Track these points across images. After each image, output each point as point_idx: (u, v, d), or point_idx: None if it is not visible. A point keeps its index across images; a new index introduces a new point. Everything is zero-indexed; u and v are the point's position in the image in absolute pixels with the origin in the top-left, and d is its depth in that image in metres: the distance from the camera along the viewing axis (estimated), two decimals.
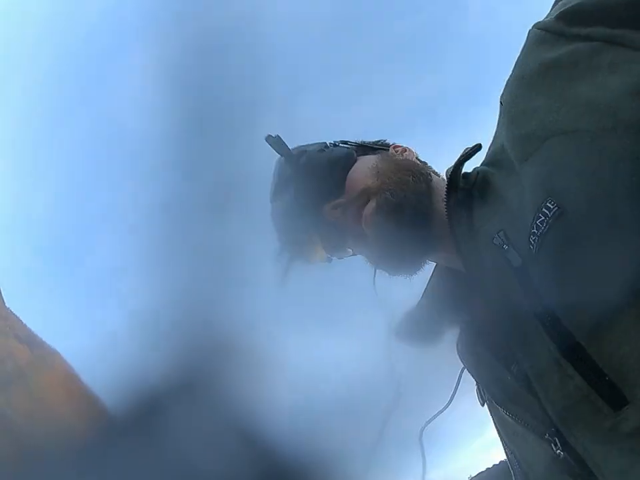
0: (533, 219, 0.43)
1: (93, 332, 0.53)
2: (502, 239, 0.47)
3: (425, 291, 0.62)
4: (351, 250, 0.64)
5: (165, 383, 0.44)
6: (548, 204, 0.42)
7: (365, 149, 0.66)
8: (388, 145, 0.68)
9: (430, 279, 0.62)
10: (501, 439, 0.58)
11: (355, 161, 0.62)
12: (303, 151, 0.63)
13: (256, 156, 0.59)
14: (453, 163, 0.56)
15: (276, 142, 0.61)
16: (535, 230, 0.43)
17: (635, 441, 0.38)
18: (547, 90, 0.46)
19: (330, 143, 0.66)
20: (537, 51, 0.48)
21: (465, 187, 0.54)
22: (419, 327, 0.60)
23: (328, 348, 0.61)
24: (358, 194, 0.58)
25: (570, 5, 0.46)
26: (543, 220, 0.42)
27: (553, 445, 0.44)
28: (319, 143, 0.65)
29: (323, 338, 0.61)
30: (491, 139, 0.56)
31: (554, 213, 0.41)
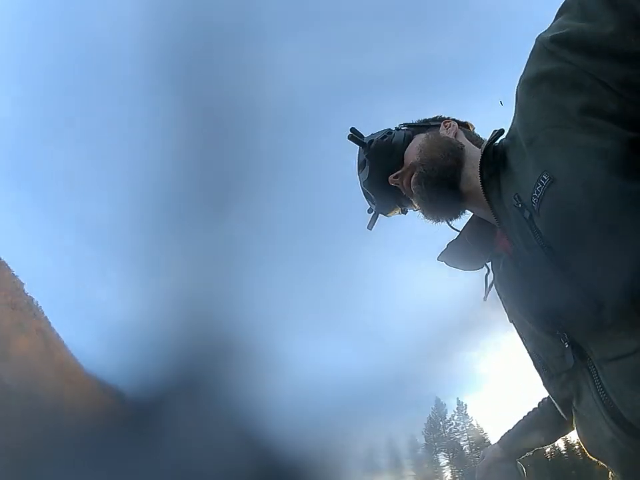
0: (534, 186, 0.61)
1: (93, 332, 0.53)
2: (516, 200, 0.65)
3: (462, 231, 0.83)
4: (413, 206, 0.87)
5: (166, 382, 0.44)
6: (544, 176, 0.60)
7: (420, 128, 0.86)
8: (442, 120, 0.86)
9: (466, 225, 0.83)
10: (522, 340, 0.75)
11: (411, 139, 0.83)
12: (371, 140, 0.86)
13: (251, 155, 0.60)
14: (485, 142, 0.74)
15: (353, 135, 0.86)
16: (535, 194, 0.61)
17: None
18: (540, 93, 0.61)
19: (395, 128, 0.88)
20: (536, 61, 0.63)
21: (494, 161, 0.71)
22: (457, 254, 0.84)
23: (329, 348, 0.61)
24: (407, 168, 0.79)
25: (563, 31, 0.59)
26: (540, 187, 0.61)
27: (561, 339, 0.63)
28: (385, 130, 0.88)
29: (325, 338, 0.61)
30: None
31: (547, 182, 0.60)
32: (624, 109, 0.54)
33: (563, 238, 0.59)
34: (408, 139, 0.83)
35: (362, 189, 0.88)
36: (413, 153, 0.80)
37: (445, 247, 0.85)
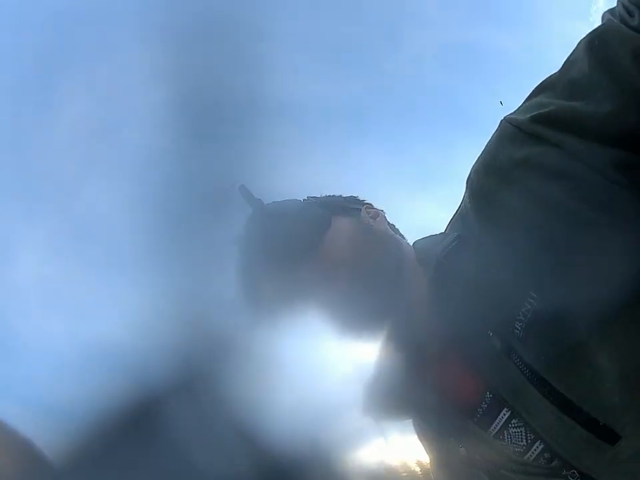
0: (519, 308, 0.48)
1: (93, 332, 0.53)
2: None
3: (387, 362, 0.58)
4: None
5: (165, 382, 0.44)
6: (533, 294, 0.47)
7: (337, 209, 0.64)
8: (360, 203, 0.67)
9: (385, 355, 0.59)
10: None
11: (329, 222, 0.61)
12: (281, 211, 0.62)
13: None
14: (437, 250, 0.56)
15: (249, 197, 0.59)
16: (521, 317, 0.48)
17: (632, 465, 0.48)
18: (513, 185, 0.50)
19: (304, 200, 0.65)
20: (508, 146, 0.52)
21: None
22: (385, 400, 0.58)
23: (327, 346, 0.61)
24: (334, 265, 0.56)
25: (547, 110, 0.49)
26: (528, 309, 0.47)
27: (570, 476, 0.50)
28: (292, 200, 0.64)
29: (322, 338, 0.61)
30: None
31: (536, 303, 0.47)
32: (617, 197, 0.45)
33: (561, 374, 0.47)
34: (327, 222, 0.60)
35: (246, 275, 0.60)
36: (339, 246, 0.58)
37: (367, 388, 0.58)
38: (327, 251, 0.57)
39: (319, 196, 0.66)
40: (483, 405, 0.52)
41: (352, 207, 0.65)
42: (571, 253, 0.47)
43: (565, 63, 0.51)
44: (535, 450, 0.51)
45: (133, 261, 0.55)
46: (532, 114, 0.50)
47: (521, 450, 0.51)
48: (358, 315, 0.54)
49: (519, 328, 0.48)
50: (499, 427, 0.51)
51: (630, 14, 0.45)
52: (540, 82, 0.52)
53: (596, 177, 0.46)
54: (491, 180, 0.52)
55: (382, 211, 0.67)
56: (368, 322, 0.54)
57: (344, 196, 0.68)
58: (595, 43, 0.47)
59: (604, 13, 0.49)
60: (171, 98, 0.55)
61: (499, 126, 0.54)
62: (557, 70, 0.51)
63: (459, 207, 0.58)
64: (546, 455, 0.51)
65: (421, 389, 0.54)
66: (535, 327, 0.47)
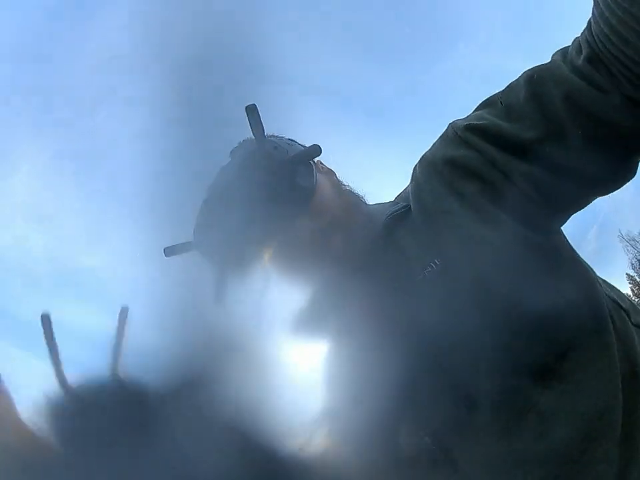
0: (423, 268, 0.56)
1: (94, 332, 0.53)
2: (397, 279, 0.58)
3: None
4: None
5: (165, 381, 0.45)
6: (435, 261, 0.56)
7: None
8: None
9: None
10: None
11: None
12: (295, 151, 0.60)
13: None
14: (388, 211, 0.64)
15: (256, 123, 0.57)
16: (422, 277, 0.56)
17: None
18: (442, 178, 0.58)
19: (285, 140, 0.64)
20: (445, 146, 0.60)
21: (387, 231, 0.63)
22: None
23: None
24: (330, 223, 0.60)
25: (480, 122, 0.57)
26: (430, 270, 0.56)
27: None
28: (290, 140, 0.64)
29: None
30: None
31: (436, 270, 0.56)
32: (522, 203, 0.53)
33: (438, 323, 0.53)
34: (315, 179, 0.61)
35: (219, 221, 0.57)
36: (331, 205, 0.61)
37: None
38: (323, 207, 0.60)
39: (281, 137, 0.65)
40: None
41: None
42: (472, 237, 0.55)
43: (508, 86, 0.58)
44: None
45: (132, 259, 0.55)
46: (468, 123, 0.59)
47: None
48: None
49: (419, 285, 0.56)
50: None
51: (579, 52, 0.51)
52: (487, 97, 0.60)
53: (505, 183, 0.54)
54: (426, 171, 0.61)
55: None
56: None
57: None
58: (534, 78, 0.54)
59: (556, 51, 0.55)
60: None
61: (446, 128, 0.62)
62: (501, 90, 0.59)
63: (405, 187, 0.67)
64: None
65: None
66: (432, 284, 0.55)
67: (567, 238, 0.59)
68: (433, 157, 0.61)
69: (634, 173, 0.54)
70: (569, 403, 0.52)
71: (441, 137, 0.63)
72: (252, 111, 0.56)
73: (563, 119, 0.51)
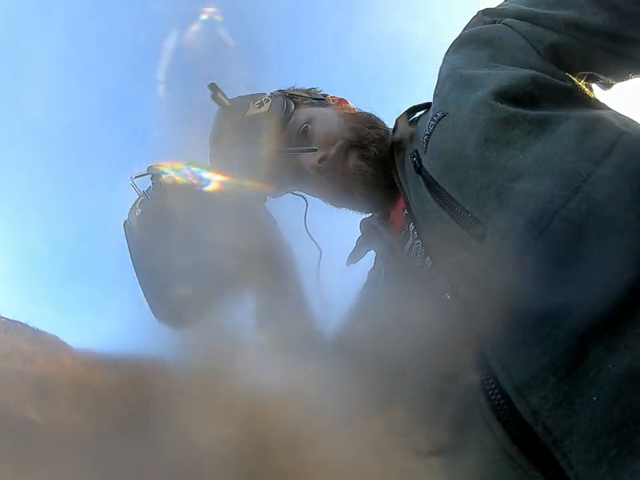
0: (427, 126, 0.55)
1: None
2: (413, 155, 0.57)
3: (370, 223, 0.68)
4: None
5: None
6: (437, 113, 0.54)
7: (305, 99, 0.71)
8: (323, 95, 0.74)
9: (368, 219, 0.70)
10: None
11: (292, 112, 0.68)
12: (244, 101, 0.68)
13: None
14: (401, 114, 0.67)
15: (218, 93, 0.64)
16: (426, 132, 0.55)
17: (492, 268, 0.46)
18: (460, 51, 0.60)
19: (270, 94, 0.70)
20: (466, 27, 0.62)
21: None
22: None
23: None
24: (339, 146, 0.64)
25: (503, 4, 0.60)
26: (432, 123, 0.55)
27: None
28: (259, 93, 0.70)
29: None
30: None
31: (439, 117, 0.54)
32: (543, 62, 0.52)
33: (447, 172, 0.50)
34: (289, 110, 0.67)
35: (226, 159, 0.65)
36: (335, 129, 0.65)
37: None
38: (320, 134, 0.65)
39: (287, 90, 0.73)
40: (405, 228, 0.58)
41: (315, 97, 0.73)
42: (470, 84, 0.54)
43: None
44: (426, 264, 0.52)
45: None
46: (487, 7, 0.61)
47: (420, 264, 0.53)
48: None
49: (424, 140, 0.55)
50: (410, 243, 0.56)
51: None
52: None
53: (525, 46, 0.54)
54: (452, 49, 0.62)
55: (342, 99, 0.74)
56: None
57: (305, 88, 0.75)
58: None
59: None
60: None
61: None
62: None
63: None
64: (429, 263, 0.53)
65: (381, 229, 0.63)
66: (433, 137, 0.54)
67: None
68: (453, 42, 0.63)
69: None
70: None
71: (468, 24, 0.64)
72: (214, 88, 0.63)
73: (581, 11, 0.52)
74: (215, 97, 0.63)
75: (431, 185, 0.52)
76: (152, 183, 0.53)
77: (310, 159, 0.64)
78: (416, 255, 0.54)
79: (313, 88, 0.76)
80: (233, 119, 0.66)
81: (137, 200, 0.53)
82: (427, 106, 0.65)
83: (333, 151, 0.64)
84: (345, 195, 0.65)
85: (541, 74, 0.50)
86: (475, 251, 0.44)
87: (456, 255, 0.47)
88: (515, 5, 0.58)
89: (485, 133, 0.47)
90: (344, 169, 0.64)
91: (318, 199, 0.71)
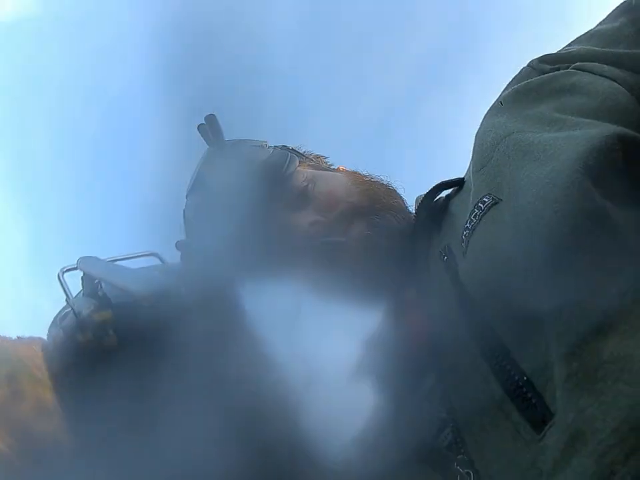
0: (469, 216, 0.40)
1: None
2: (444, 252, 0.43)
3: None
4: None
5: None
6: (484, 198, 0.39)
7: (309, 160, 0.61)
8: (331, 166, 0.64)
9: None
10: None
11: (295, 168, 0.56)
12: (240, 144, 0.57)
13: None
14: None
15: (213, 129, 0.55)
16: (467, 225, 0.40)
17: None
18: (508, 110, 0.45)
19: (268, 145, 0.59)
20: (512, 83, 0.49)
21: (430, 215, 0.51)
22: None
23: None
24: (342, 211, 0.52)
25: (566, 49, 0.48)
26: (477, 213, 0.39)
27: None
28: (259, 141, 0.59)
29: None
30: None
31: (487, 204, 0.38)
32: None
33: (498, 301, 0.36)
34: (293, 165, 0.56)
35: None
36: (343, 193, 0.53)
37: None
38: (331, 198, 0.53)
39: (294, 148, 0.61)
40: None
41: (324, 167, 0.62)
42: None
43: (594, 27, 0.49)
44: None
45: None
46: (546, 54, 0.48)
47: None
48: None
49: (464, 237, 0.40)
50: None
51: None
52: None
53: (610, 85, 0.41)
54: (495, 110, 0.48)
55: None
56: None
57: (313, 153, 0.64)
58: (632, 3, 0.45)
59: None
60: None
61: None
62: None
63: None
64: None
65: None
66: (477, 234, 0.39)
67: None
68: (494, 103, 0.49)
69: None
70: None
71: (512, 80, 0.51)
72: (211, 120, 0.54)
73: None
74: (211, 129, 0.54)
75: (470, 312, 0.38)
76: (82, 283, 0.41)
77: (301, 219, 0.51)
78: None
79: (322, 156, 0.65)
80: (226, 161, 0.55)
81: (62, 310, 0.41)
82: (457, 183, 0.51)
83: (333, 215, 0.51)
84: (339, 276, 0.49)
85: (631, 133, 0.36)
86: (526, 446, 0.32)
87: (500, 449, 0.34)
88: (583, 46, 0.47)
89: (564, 237, 0.31)
90: (347, 240, 0.50)
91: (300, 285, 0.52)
